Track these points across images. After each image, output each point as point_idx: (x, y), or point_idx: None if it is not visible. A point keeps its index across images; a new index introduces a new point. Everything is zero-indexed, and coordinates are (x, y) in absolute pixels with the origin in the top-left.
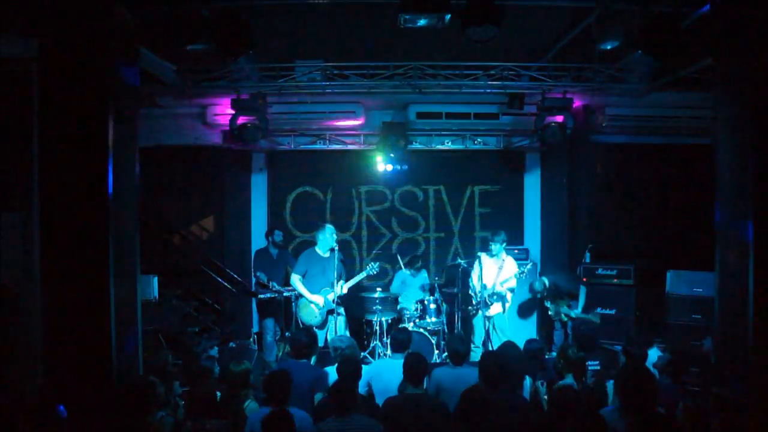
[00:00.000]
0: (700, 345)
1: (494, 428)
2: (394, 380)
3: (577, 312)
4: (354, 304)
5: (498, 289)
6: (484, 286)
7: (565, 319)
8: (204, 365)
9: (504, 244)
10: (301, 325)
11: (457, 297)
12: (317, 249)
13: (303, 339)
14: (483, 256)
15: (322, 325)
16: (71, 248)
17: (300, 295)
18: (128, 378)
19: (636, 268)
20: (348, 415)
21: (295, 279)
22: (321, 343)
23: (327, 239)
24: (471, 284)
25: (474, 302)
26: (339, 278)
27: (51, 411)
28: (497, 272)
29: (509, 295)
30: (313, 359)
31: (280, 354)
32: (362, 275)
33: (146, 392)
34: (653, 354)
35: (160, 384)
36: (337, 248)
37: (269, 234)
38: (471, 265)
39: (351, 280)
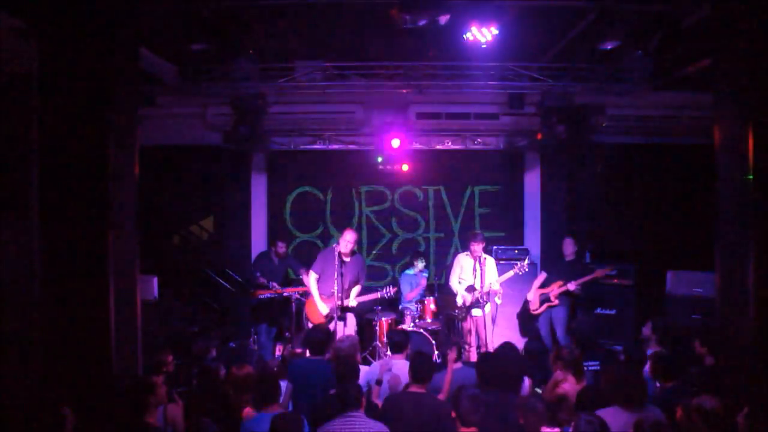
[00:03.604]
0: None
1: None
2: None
3: None
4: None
5: (494, 287)
6: (472, 287)
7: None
8: (210, 365)
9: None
10: (306, 322)
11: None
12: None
13: (319, 336)
14: (462, 256)
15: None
16: (71, 248)
17: (306, 294)
18: (129, 378)
19: (636, 268)
20: (352, 414)
21: (312, 278)
22: None
23: (347, 245)
24: (452, 287)
25: (463, 305)
26: (356, 282)
27: (54, 412)
28: (487, 273)
29: (497, 295)
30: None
31: (279, 354)
32: (376, 295)
33: (148, 392)
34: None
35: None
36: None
37: (272, 245)
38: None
39: (361, 295)
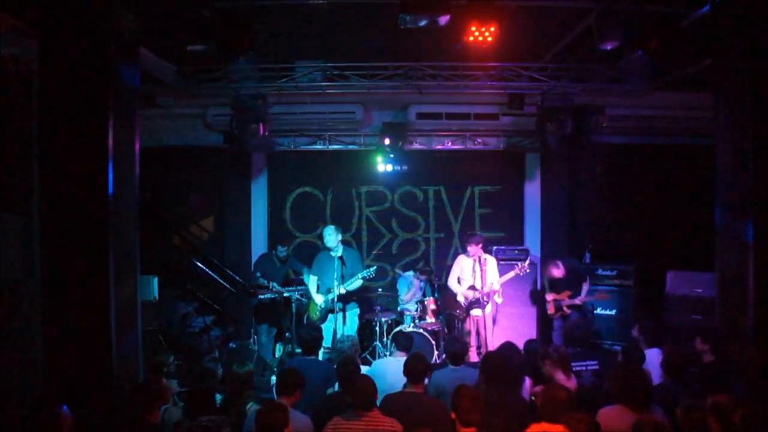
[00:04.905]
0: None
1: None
2: (395, 379)
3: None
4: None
5: (495, 288)
6: (473, 287)
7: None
8: (206, 366)
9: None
10: (305, 321)
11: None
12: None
13: (311, 334)
14: (462, 257)
15: (322, 320)
16: (71, 249)
17: (307, 294)
18: (141, 379)
19: (636, 269)
20: (367, 413)
21: (312, 280)
22: (326, 339)
23: (327, 240)
24: (451, 288)
25: (465, 302)
26: (352, 274)
27: (51, 411)
28: (487, 273)
29: (497, 294)
30: (321, 355)
31: (279, 354)
32: (357, 279)
33: (158, 396)
34: (650, 353)
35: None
36: (340, 249)
37: (272, 248)
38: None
39: (347, 283)
